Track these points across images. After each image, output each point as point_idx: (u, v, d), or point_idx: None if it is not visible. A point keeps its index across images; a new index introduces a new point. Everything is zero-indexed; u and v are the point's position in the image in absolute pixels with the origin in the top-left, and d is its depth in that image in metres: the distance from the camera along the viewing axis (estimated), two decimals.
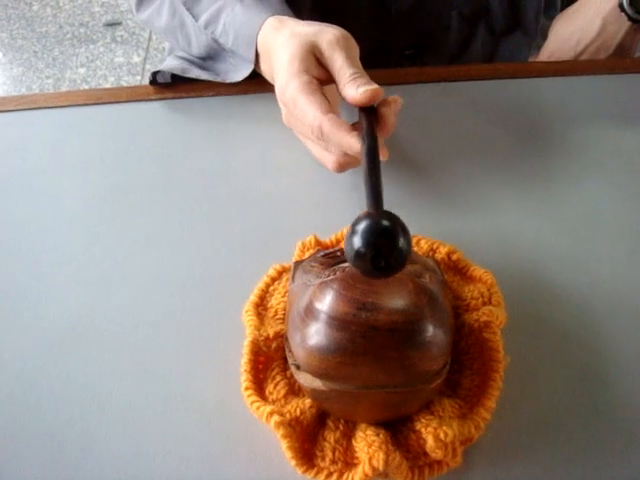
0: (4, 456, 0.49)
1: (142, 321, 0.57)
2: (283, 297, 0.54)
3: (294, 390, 0.49)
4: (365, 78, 0.56)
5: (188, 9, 0.75)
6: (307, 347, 0.44)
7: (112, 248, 0.63)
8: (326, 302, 0.43)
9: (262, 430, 0.48)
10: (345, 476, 0.44)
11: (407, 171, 0.69)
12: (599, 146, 0.72)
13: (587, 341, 0.55)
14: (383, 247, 0.39)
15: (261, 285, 0.56)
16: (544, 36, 0.97)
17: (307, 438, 0.47)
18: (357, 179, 0.67)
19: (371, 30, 0.87)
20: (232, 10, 0.70)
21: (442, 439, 0.44)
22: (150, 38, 2.60)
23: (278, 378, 0.49)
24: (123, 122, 0.77)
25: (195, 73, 0.77)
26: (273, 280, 0.57)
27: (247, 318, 0.53)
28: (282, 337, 0.50)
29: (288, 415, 0.46)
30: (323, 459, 0.45)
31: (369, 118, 0.54)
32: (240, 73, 0.73)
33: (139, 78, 2.44)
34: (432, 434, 0.44)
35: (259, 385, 0.49)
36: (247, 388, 0.48)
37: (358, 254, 0.39)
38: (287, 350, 0.48)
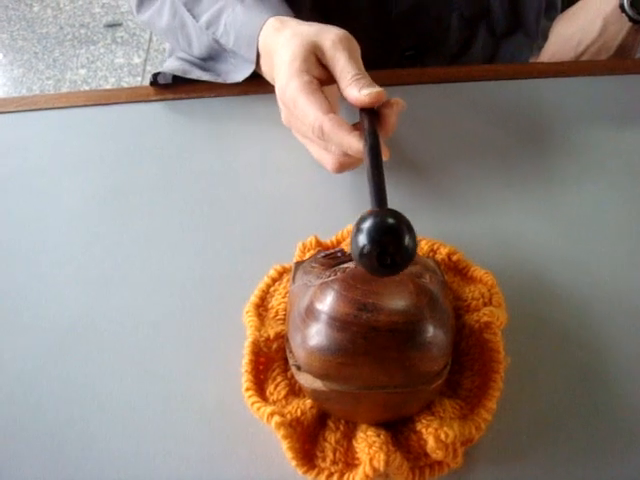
0: (4, 456, 0.49)
1: (142, 321, 0.57)
2: (284, 298, 0.54)
3: (295, 391, 0.49)
4: (368, 80, 0.56)
5: (189, 10, 0.75)
6: (308, 348, 0.44)
7: (112, 249, 0.63)
8: (327, 303, 0.43)
9: (263, 431, 0.48)
10: (346, 477, 0.44)
11: (407, 172, 0.69)
12: (600, 147, 0.72)
13: (587, 342, 0.55)
14: (389, 245, 0.39)
15: (262, 286, 0.56)
16: (545, 37, 0.97)
17: (308, 439, 0.47)
18: (357, 180, 0.67)
19: (371, 30, 0.87)
20: (233, 11, 0.70)
21: (443, 440, 0.44)
22: (150, 39, 2.60)
23: (279, 379, 0.49)
24: (123, 123, 0.77)
25: (196, 74, 0.77)
26: (274, 281, 0.57)
27: (248, 319, 0.53)
28: (283, 338, 0.50)
29: (289, 416, 0.46)
30: (324, 460, 0.45)
31: (371, 118, 0.54)
32: (241, 73, 0.73)
33: (139, 79, 2.44)
34: (433, 435, 0.44)
35: (260, 386, 0.49)
36: (248, 389, 0.48)
37: (364, 252, 0.39)
38: (288, 351, 0.48)
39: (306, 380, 0.46)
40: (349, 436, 0.46)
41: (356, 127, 0.55)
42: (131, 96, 0.79)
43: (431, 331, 0.43)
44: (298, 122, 0.59)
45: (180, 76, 0.78)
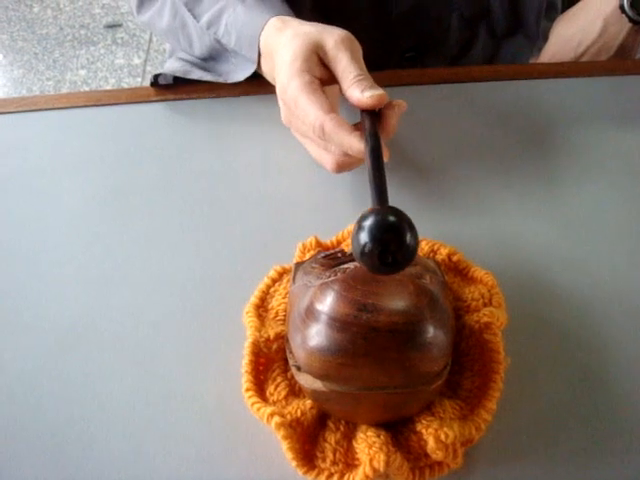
0: (4, 456, 0.49)
1: (142, 321, 0.57)
2: (284, 298, 0.54)
3: (295, 391, 0.49)
4: (370, 81, 0.56)
5: (190, 10, 0.75)
6: (308, 348, 0.44)
7: (112, 249, 0.63)
8: (327, 303, 0.43)
9: (263, 431, 0.48)
10: (346, 477, 0.44)
11: (407, 172, 0.69)
12: (600, 147, 0.72)
13: (587, 342, 0.55)
14: (390, 243, 0.39)
15: (262, 286, 0.56)
16: (545, 38, 0.97)
17: (308, 439, 0.47)
18: (357, 180, 0.67)
19: (371, 31, 0.87)
20: (234, 11, 0.70)
21: (443, 440, 0.44)
22: (151, 40, 2.60)
23: (279, 379, 0.49)
24: (123, 124, 0.77)
25: (197, 75, 0.77)
26: (274, 281, 0.57)
27: (248, 319, 0.53)
28: (283, 338, 0.50)
29: (289, 416, 0.46)
30: (324, 460, 0.45)
31: (372, 119, 0.54)
32: (242, 73, 0.73)
33: (140, 80, 2.44)
34: (433, 435, 0.44)
35: (260, 386, 0.49)
36: (248, 389, 0.48)
37: (365, 250, 0.39)
38: (288, 351, 0.48)
39: (306, 381, 0.46)
40: (349, 437, 0.46)
41: (357, 127, 0.55)
42: (131, 97, 0.79)
43: (431, 332, 0.43)
44: (298, 121, 0.59)
45: (181, 77, 0.78)
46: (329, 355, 0.43)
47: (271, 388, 0.49)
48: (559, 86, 0.80)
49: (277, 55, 0.62)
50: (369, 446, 0.44)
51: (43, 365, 0.54)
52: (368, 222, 0.39)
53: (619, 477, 0.47)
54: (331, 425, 0.47)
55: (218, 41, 0.73)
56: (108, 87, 2.41)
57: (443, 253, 0.57)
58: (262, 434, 0.48)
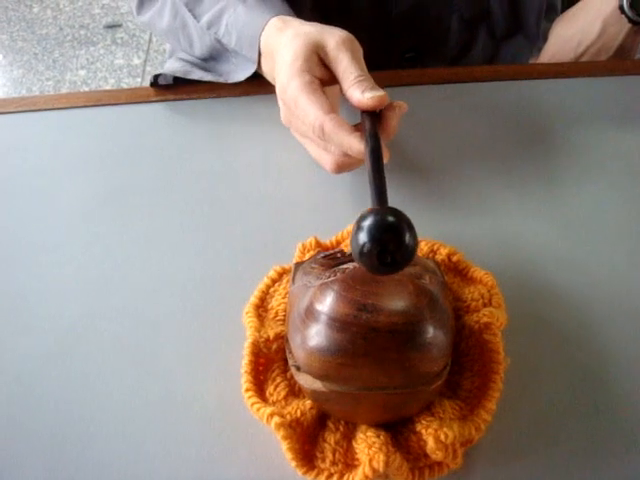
0: (4, 456, 0.49)
1: (142, 322, 0.57)
2: (283, 298, 0.54)
3: (294, 391, 0.49)
4: (370, 82, 0.56)
5: (190, 10, 0.75)
6: (307, 348, 0.44)
7: (112, 249, 0.63)
8: (326, 303, 0.43)
9: (262, 431, 0.48)
10: (345, 477, 0.44)
11: (407, 172, 0.69)
12: (600, 148, 0.72)
13: (587, 342, 0.55)
14: (389, 243, 0.39)
15: (261, 286, 0.56)
16: (544, 38, 0.97)
17: (307, 439, 0.47)
18: (357, 181, 0.67)
19: (371, 31, 0.87)
20: (234, 11, 0.70)
21: (442, 440, 0.44)
22: (150, 40, 2.61)
23: (278, 379, 0.49)
24: (123, 124, 0.77)
25: (197, 75, 0.77)
26: (273, 281, 0.57)
27: (247, 319, 0.53)
28: (282, 338, 0.50)
29: (288, 416, 0.46)
30: (323, 460, 0.45)
31: (372, 120, 0.54)
32: (243, 73, 0.73)
33: (139, 80, 2.44)
34: (432, 435, 0.44)
35: (259, 386, 0.49)
36: (247, 389, 0.48)
37: (364, 250, 0.39)
38: (287, 351, 0.48)
39: (306, 381, 0.46)
40: (349, 437, 0.46)
41: (357, 128, 0.55)
42: (131, 97, 0.79)
43: (431, 332, 0.43)
44: (298, 121, 0.59)
45: (181, 77, 0.78)
46: (329, 355, 0.43)
47: (271, 388, 0.49)
48: (559, 86, 0.80)
49: (278, 55, 0.62)
50: (369, 446, 0.44)
51: (43, 365, 0.54)
52: (367, 222, 0.39)
53: (619, 477, 0.47)
54: (331, 425, 0.47)
55: (219, 41, 0.73)
56: (108, 87, 2.42)
57: (443, 253, 0.57)
58: (262, 434, 0.48)
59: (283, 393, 0.48)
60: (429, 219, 0.64)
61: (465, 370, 0.50)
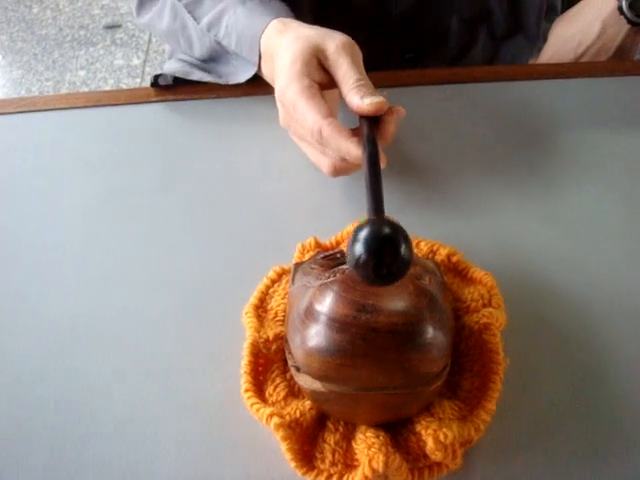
0: (4, 456, 0.49)
1: (142, 322, 0.57)
2: (283, 299, 0.54)
3: (294, 392, 0.49)
4: (370, 87, 0.56)
5: (190, 12, 0.75)
6: (307, 349, 0.44)
7: (112, 250, 0.63)
8: (326, 304, 0.43)
9: (262, 432, 0.48)
10: (345, 478, 0.44)
11: (407, 173, 0.69)
12: (599, 148, 0.72)
13: (587, 343, 0.55)
14: (385, 255, 0.39)
15: (261, 287, 0.56)
16: (544, 38, 0.98)
17: (307, 440, 0.47)
18: (357, 181, 0.67)
19: (371, 31, 0.87)
20: (234, 12, 0.70)
21: (442, 441, 0.44)
22: (150, 41, 2.61)
23: (278, 380, 0.49)
24: (123, 124, 0.77)
25: (197, 75, 0.77)
26: (273, 282, 0.57)
27: (247, 320, 0.53)
28: (282, 339, 0.50)
29: (288, 417, 0.46)
30: (323, 461, 0.45)
31: (370, 125, 0.54)
32: (243, 75, 0.73)
33: (139, 81, 2.44)
34: (432, 436, 0.44)
35: (259, 387, 0.49)
36: (247, 390, 0.48)
37: (360, 262, 0.39)
38: (287, 352, 0.48)
39: (305, 381, 0.46)
40: (348, 437, 0.46)
41: (355, 133, 0.55)
42: (131, 97, 0.79)
43: (431, 332, 0.43)
44: (297, 125, 0.59)
45: (181, 77, 0.78)
46: (328, 356, 0.43)
47: (270, 389, 0.49)
48: (559, 87, 0.80)
49: (277, 57, 0.62)
50: (368, 447, 0.44)
51: (43, 365, 0.54)
52: (363, 233, 0.39)
53: (619, 477, 0.47)
54: (330, 426, 0.47)
55: (218, 43, 0.73)
56: (107, 88, 2.41)
57: (442, 254, 0.57)
58: (261, 435, 0.48)
59: (282, 394, 0.48)
60: (428, 219, 0.64)
61: (465, 371, 0.50)
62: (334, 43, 0.59)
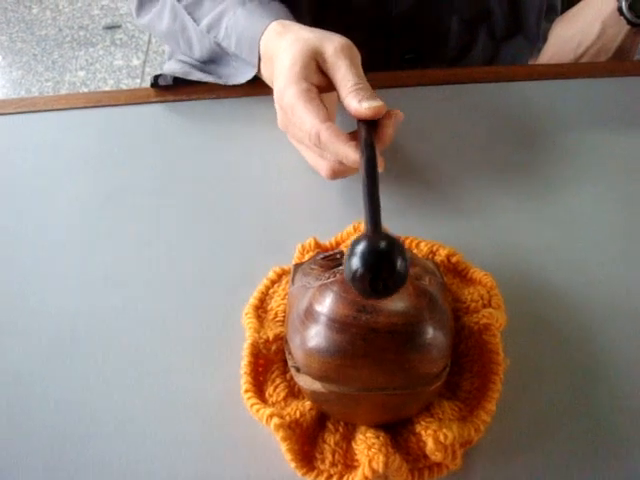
0: (4, 456, 0.49)
1: (142, 322, 0.57)
2: (283, 299, 0.54)
3: (294, 392, 0.49)
4: (368, 91, 0.56)
5: (189, 13, 0.75)
6: (307, 349, 0.44)
7: (112, 250, 0.63)
8: (326, 304, 0.43)
9: (262, 432, 0.48)
10: (345, 479, 0.44)
11: (407, 173, 0.69)
12: (599, 148, 0.72)
13: (587, 343, 0.55)
14: (382, 270, 0.39)
15: (261, 288, 0.56)
16: (544, 39, 0.98)
17: (307, 440, 0.47)
18: (358, 183, 0.66)
19: (371, 32, 0.87)
20: (234, 14, 0.70)
21: (442, 441, 0.44)
22: (150, 41, 2.61)
23: (278, 380, 0.49)
24: (123, 125, 0.77)
25: (197, 76, 0.77)
26: (273, 283, 0.57)
27: (247, 321, 0.53)
28: (282, 340, 0.50)
29: (288, 417, 0.46)
30: (323, 461, 0.45)
31: (368, 129, 0.54)
32: (243, 76, 0.72)
33: (138, 81, 2.44)
34: (432, 436, 0.44)
35: (259, 387, 0.49)
36: (247, 390, 0.48)
37: (357, 276, 0.39)
38: (287, 352, 0.48)
39: (305, 382, 0.46)
40: (348, 438, 0.46)
41: (353, 136, 0.55)
42: (130, 98, 0.79)
43: (430, 333, 0.43)
44: (295, 128, 0.59)
45: (180, 78, 0.78)
46: (328, 356, 0.43)
47: (270, 389, 0.49)
48: (559, 87, 0.80)
49: (277, 60, 0.62)
50: (368, 447, 0.44)
51: (43, 365, 0.54)
52: (360, 247, 0.39)
53: (619, 477, 0.47)
54: (330, 426, 0.47)
55: (218, 44, 0.73)
56: (107, 88, 2.41)
57: (442, 254, 0.57)
58: (261, 435, 0.48)
59: (282, 394, 0.49)
60: (428, 219, 0.64)
61: (464, 371, 0.50)
62: (332, 46, 0.59)
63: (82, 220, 0.66)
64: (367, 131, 0.53)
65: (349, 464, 0.45)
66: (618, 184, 0.68)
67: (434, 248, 0.58)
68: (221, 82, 0.76)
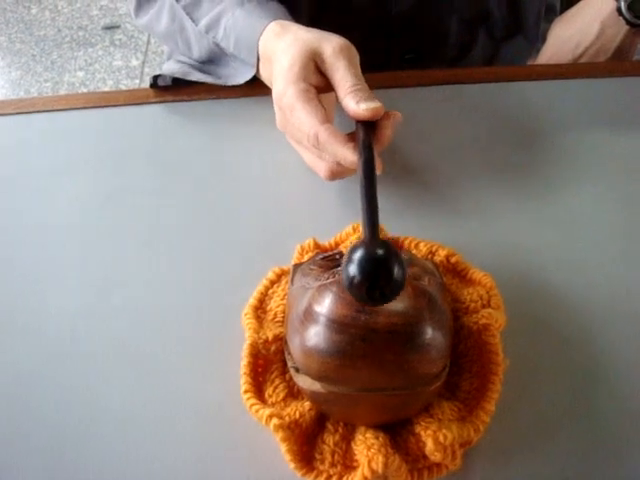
0: (4, 456, 0.49)
1: (142, 322, 0.57)
2: (282, 300, 0.54)
3: (293, 393, 0.49)
4: (366, 92, 0.56)
5: (188, 14, 0.75)
6: (306, 350, 0.44)
7: (112, 250, 0.63)
8: (325, 305, 0.43)
9: (261, 433, 0.48)
10: (344, 479, 0.44)
11: (407, 173, 0.69)
12: (599, 149, 0.72)
13: (586, 343, 0.55)
14: (379, 278, 0.39)
15: (260, 288, 0.56)
16: (543, 39, 0.98)
17: (306, 441, 0.47)
18: (356, 184, 0.67)
19: (371, 32, 0.87)
20: (232, 15, 0.70)
21: (441, 442, 0.44)
22: (149, 41, 2.60)
23: (277, 381, 0.49)
24: (122, 125, 0.77)
25: (196, 76, 0.77)
26: (272, 283, 0.57)
27: (246, 321, 0.53)
28: (281, 340, 0.50)
29: (287, 418, 0.46)
30: (322, 462, 0.45)
31: (367, 130, 0.54)
32: (242, 77, 0.72)
33: (137, 82, 2.44)
34: (431, 437, 0.44)
35: (258, 388, 0.49)
36: (246, 391, 0.48)
37: (354, 282, 0.39)
38: (286, 353, 0.48)
39: (304, 382, 0.46)
40: (348, 438, 0.46)
41: (351, 137, 0.55)
42: (130, 98, 0.79)
43: (430, 333, 0.43)
44: (293, 129, 0.59)
45: (179, 78, 0.78)
46: (327, 356, 0.43)
47: (270, 390, 0.49)
48: (558, 87, 0.80)
49: (275, 60, 0.62)
50: (368, 448, 0.44)
51: (43, 365, 0.54)
52: (358, 254, 0.39)
53: (619, 477, 0.48)
54: (330, 427, 0.47)
55: (217, 45, 0.73)
56: (106, 89, 2.41)
57: (442, 254, 0.57)
58: (261, 436, 0.48)
59: (282, 394, 0.49)
60: (428, 220, 0.64)
61: (464, 371, 0.50)
62: (331, 46, 0.59)
63: (82, 220, 0.66)
64: (365, 132, 0.53)
65: (348, 464, 0.45)
66: (618, 184, 0.68)
67: (433, 248, 0.58)
68: (220, 82, 0.76)
